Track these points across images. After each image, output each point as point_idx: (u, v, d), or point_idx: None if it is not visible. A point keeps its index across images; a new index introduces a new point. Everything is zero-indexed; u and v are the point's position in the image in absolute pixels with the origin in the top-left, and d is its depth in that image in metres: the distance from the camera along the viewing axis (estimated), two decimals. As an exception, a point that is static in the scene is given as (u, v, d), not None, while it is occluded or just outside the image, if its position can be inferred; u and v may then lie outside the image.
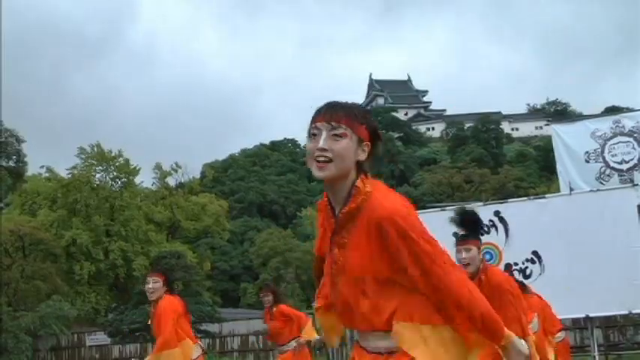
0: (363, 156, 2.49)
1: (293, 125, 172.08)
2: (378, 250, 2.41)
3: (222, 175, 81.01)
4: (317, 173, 2.43)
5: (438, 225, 12.53)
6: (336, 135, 2.41)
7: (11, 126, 41.99)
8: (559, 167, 13.89)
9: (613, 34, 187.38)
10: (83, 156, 39.96)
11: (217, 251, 53.68)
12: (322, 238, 2.66)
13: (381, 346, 2.50)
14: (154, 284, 6.55)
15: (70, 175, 39.38)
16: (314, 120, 2.46)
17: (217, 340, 27.10)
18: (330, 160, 2.40)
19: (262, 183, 78.16)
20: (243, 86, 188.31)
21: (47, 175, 41.51)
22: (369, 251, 2.42)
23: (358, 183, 2.48)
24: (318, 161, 2.41)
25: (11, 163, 38.77)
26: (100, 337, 28.21)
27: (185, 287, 30.05)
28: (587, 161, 13.40)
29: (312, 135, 2.45)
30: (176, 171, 49.11)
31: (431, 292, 2.41)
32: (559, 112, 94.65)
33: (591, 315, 11.39)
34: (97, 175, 40.54)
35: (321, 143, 2.40)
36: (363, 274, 2.45)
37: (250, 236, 62.53)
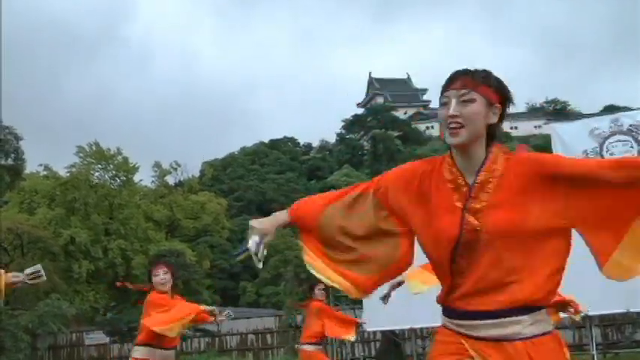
0: (494, 119, 2.51)
1: (292, 123, 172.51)
2: (539, 199, 2.39)
3: (222, 174, 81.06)
4: (450, 139, 2.45)
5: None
6: (465, 101, 2.43)
7: (9, 123, 41.97)
8: (558, 166, 13.91)
9: (611, 33, 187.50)
10: (82, 154, 39.99)
11: (217, 250, 53.66)
12: (428, 210, 2.52)
13: (517, 331, 2.39)
14: (164, 275, 6.68)
15: (68, 174, 39.40)
16: (444, 89, 2.50)
17: (216, 339, 27.08)
18: (462, 126, 2.42)
19: (261, 181, 78.20)
20: (242, 84, 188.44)
21: (45, 173, 41.52)
22: (525, 206, 2.38)
23: (493, 147, 2.52)
24: (451, 128, 2.44)
25: (9, 161, 38.66)
26: (99, 336, 28.18)
27: (185, 286, 30.06)
28: (587, 160, 13.43)
29: (443, 104, 2.48)
30: (175, 169, 49.20)
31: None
32: (558, 111, 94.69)
33: (589, 313, 11.37)
34: (96, 174, 40.57)
35: (452, 110, 2.43)
36: (516, 230, 2.36)
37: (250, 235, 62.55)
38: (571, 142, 13.57)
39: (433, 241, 2.50)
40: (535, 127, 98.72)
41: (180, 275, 27.67)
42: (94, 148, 40.34)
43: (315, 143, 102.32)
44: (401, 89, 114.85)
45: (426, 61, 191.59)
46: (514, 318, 2.38)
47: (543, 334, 2.41)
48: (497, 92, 2.50)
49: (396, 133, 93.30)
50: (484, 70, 2.54)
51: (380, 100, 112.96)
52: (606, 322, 18.59)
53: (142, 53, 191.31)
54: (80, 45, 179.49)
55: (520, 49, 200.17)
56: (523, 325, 2.38)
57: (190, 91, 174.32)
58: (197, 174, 63.37)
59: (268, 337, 25.77)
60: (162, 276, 6.67)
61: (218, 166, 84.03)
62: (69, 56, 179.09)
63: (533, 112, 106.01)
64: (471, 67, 2.53)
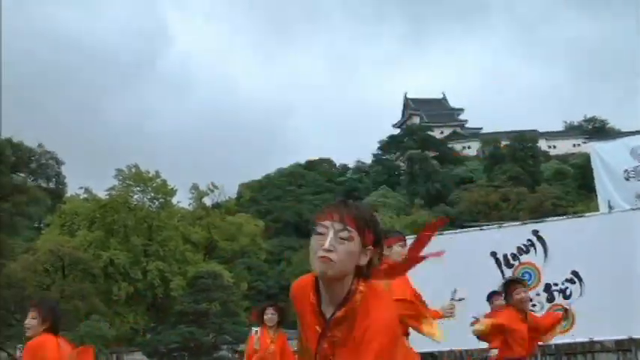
0: (364, 260, 2.44)
1: (329, 144, 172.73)
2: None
3: (259, 195, 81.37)
4: (320, 269, 2.38)
5: (475, 244, 12.40)
6: (342, 238, 2.39)
7: (51, 148, 42.70)
8: (598, 185, 13.68)
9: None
10: (121, 177, 40.46)
11: (254, 271, 53.80)
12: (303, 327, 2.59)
13: None
14: (272, 315, 7.47)
15: (108, 196, 39.85)
16: (322, 216, 2.46)
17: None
18: (333, 261, 2.37)
19: (298, 202, 78.31)
20: (279, 106, 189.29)
21: (85, 196, 42.05)
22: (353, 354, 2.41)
23: (355, 287, 2.44)
24: (321, 258, 2.38)
25: (51, 185, 39.32)
26: (138, 357, 28.36)
27: (222, 307, 30.13)
28: (627, 179, 13.17)
29: (319, 233, 2.43)
30: (212, 191, 49.50)
31: None
32: (597, 130, 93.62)
33: (634, 336, 11.16)
34: (135, 196, 40.99)
35: (327, 244, 2.38)
36: None
37: (287, 256, 62.58)
38: (611, 161, 13.39)
39: (304, 350, 2.58)
40: (574, 145, 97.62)
41: (216, 297, 27.63)
42: (133, 170, 40.81)
43: (352, 164, 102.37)
44: (437, 109, 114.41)
45: (461, 80, 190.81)
46: None
47: None
48: (373, 235, 2.46)
49: (432, 154, 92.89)
50: (367, 210, 2.53)
51: (416, 120, 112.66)
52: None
53: (180, 77, 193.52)
54: (120, 70, 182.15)
55: (556, 67, 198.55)
56: None
57: (227, 114, 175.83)
58: (234, 196, 63.70)
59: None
60: (270, 315, 7.54)
61: (255, 187, 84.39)
62: (109, 81, 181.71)
63: (571, 131, 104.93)
64: (350, 203, 2.51)
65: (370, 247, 2.44)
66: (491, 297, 8.89)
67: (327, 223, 2.42)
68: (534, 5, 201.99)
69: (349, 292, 2.43)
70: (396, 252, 5.50)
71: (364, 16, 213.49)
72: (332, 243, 2.38)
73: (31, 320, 5.57)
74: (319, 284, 2.49)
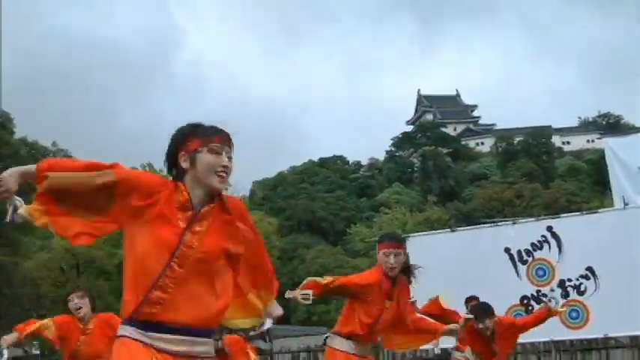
0: None
1: (341, 142, 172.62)
2: (227, 230, 2.84)
3: (272, 193, 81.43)
4: (219, 185, 2.85)
5: (489, 241, 12.38)
6: (230, 156, 2.90)
7: (65, 147, 42.92)
8: (612, 181, 13.62)
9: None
10: (135, 176, 40.61)
11: (267, 268, 53.81)
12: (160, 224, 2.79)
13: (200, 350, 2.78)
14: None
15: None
16: (214, 138, 2.87)
17: (268, 357, 27.10)
18: (227, 174, 2.87)
19: (311, 200, 78.28)
20: (291, 104, 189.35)
21: (100, 194, 42.28)
22: (220, 234, 2.81)
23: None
24: (221, 175, 2.84)
25: (66, 183, 39.49)
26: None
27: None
28: (642, 174, 13.11)
29: (214, 152, 2.85)
30: (226, 189, 49.57)
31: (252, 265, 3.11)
32: (611, 125, 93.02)
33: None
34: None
35: (226, 161, 2.86)
36: (217, 255, 2.77)
37: (300, 253, 62.61)
38: (626, 157, 13.32)
39: (151, 247, 2.74)
40: (588, 141, 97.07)
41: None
42: (147, 168, 40.94)
43: (365, 161, 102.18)
44: (450, 106, 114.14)
45: (475, 77, 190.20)
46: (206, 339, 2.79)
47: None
48: None
49: (445, 150, 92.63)
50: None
51: (429, 117, 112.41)
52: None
53: (192, 77, 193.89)
54: (133, 72, 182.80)
55: (570, 63, 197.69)
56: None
57: (239, 112, 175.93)
58: (247, 193, 63.77)
59: (320, 355, 25.66)
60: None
61: (268, 185, 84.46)
62: (124, 82, 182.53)
63: (586, 127, 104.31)
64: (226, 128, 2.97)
65: None
66: (468, 302, 8.84)
67: (221, 145, 2.87)
68: (547, 2, 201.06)
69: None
70: (381, 259, 5.48)
71: (376, 14, 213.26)
72: (228, 162, 2.87)
73: (82, 300, 6.60)
74: (190, 189, 2.85)
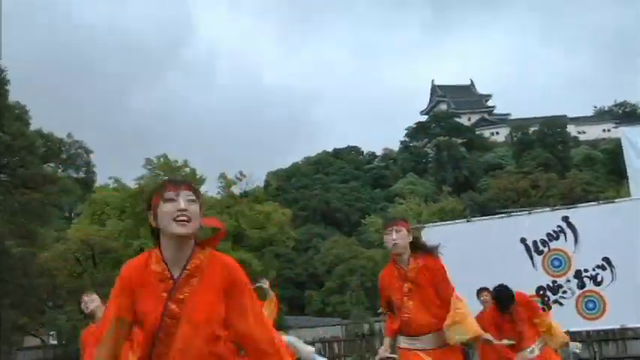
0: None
1: (356, 132, 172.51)
2: (219, 297, 2.82)
3: (286, 184, 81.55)
4: (179, 230, 2.77)
5: (505, 231, 12.29)
6: (190, 200, 2.81)
7: (80, 138, 43.04)
8: (629, 171, 13.48)
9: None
10: (150, 166, 40.68)
11: (282, 259, 54.03)
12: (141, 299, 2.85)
13: None
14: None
15: (137, 186, 40.12)
16: (165, 188, 2.85)
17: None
18: (190, 220, 2.78)
19: (326, 191, 78.35)
20: (306, 95, 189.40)
21: (115, 185, 42.37)
22: (212, 299, 2.81)
23: (197, 247, 2.90)
24: (179, 220, 2.77)
25: (81, 174, 39.68)
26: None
27: (251, 295, 30.35)
28: (659, 164, 12.99)
29: (169, 199, 2.80)
30: (240, 180, 49.54)
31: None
32: (627, 114, 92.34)
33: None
34: (165, 185, 41.12)
35: (182, 204, 2.78)
36: (209, 319, 2.78)
37: (315, 244, 62.71)
38: (642, 146, 13.20)
39: (142, 323, 2.82)
40: (604, 130, 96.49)
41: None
42: (161, 160, 41.03)
43: (379, 152, 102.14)
44: (464, 95, 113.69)
45: (489, 66, 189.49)
46: None
47: None
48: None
49: (460, 140, 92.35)
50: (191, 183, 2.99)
51: (443, 107, 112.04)
52: None
53: (205, 67, 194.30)
54: (147, 60, 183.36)
55: (585, 52, 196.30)
56: None
57: (254, 103, 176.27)
58: (262, 184, 63.83)
59: (335, 345, 25.72)
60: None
61: (282, 176, 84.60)
62: (137, 72, 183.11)
63: (601, 116, 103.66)
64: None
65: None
66: (479, 293, 8.79)
67: (177, 191, 2.82)
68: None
69: (193, 251, 2.86)
70: (386, 242, 5.37)
71: (389, 3, 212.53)
72: (186, 204, 2.78)
73: (90, 297, 6.98)
74: (164, 253, 2.86)
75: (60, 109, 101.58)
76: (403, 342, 5.35)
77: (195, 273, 2.82)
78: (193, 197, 2.82)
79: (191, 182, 2.96)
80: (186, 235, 2.78)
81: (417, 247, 5.37)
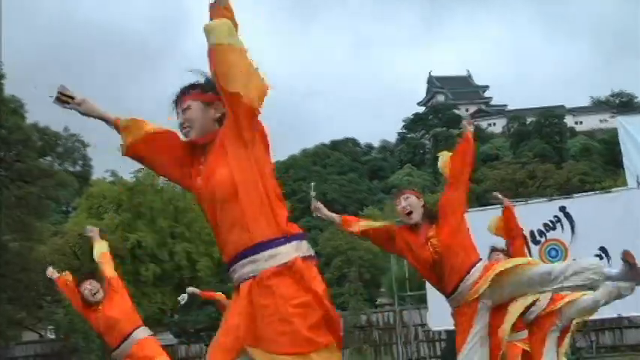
0: (218, 112, 3.10)
1: (353, 124, 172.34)
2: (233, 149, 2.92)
3: (283, 176, 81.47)
4: (184, 137, 3.17)
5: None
6: (185, 110, 3.13)
7: (76, 131, 42.85)
8: (626, 161, 13.49)
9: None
10: (147, 160, 40.59)
11: (280, 251, 54.03)
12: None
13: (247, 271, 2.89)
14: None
15: (134, 179, 40.08)
16: (173, 106, 3.23)
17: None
18: (189, 128, 3.13)
19: (323, 182, 78.29)
20: (302, 86, 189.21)
21: (112, 179, 42.30)
22: (228, 159, 2.91)
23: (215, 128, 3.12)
24: (183, 132, 3.16)
25: (77, 168, 39.48)
26: (167, 337, 28.62)
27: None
28: (655, 154, 12.99)
29: (177, 115, 3.19)
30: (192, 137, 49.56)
31: None
32: (624, 104, 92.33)
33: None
34: (161, 178, 41.12)
35: (179, 120, 3.17)
36: (234, 185, 2.85)
37: (313, 236, 62.69)
38: (639, 136, 13.21)
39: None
40: (600, 120, 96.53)
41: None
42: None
43: (376, 143, 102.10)
44: (461, 86, 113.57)
45: (486, 57, 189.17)
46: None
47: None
48: (213, 93, 3.07)
49: (457, 131, 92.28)
50: (197, 82, 3.21)
51: (440, 98, 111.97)
52: None
53: (202, 59, 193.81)
54: (142, 54, 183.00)
55: (582, 42, 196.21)
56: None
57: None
58: (259, 176, 63.70)
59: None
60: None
61: (279, 168, 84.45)
62: (131, 65, 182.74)
63: (598, 106, 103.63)
64: (186, 85, 3.23)
65: (214, 101, 3.10)
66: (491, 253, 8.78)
67: (177, 109, 3.19)
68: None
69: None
70: (399, 214, 5.60)
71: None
72: (181, 117, 3.16)
73: (90, 285, 7.24)
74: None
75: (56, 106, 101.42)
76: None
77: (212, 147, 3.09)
78: (185, 106, 3.15)
79: (185, 88, 3.22)
80: (193, 140, 3.15)
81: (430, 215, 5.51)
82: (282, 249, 2.81)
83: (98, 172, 43.76)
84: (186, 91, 3.17)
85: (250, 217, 2.82)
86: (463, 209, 5.56)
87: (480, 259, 5.44)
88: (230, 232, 2.89)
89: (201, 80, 3.17)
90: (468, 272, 5.22)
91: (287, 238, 2.85)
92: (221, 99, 2.96)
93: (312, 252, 2.95)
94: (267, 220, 2.83)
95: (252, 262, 2.82)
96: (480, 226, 11.87)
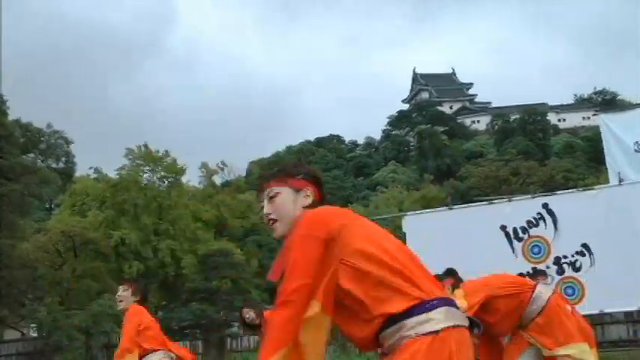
0: (307, 201, 2.70)
1: (338, 121, 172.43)
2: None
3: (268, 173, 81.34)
4: (273, 235, 2.75)
5: (485, 218, 12.37)
6: (271, 197, 2.72)
7: (60, 128, 42.69)
8: (608, 158, 13.59)
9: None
10: (131, 156, 40.43)
11: (265, 248, 53.95)
12: None
13: None
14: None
15: (118, 176, 39.91)
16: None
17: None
18: (275, 221, 2.70)
19: (308, 179, 78.26)
20: (287, 84, 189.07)
21: (96, 176, 42.11)
22: None
23: None
24: (269, 225, 2.74)
25: (61, 165, 39.39)
26: (151, 335, 28.50)
27: (234, 285, 30.29)
28: (637, 151, 13.04)
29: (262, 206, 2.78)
30: (222, 169, 49.50)
31: None
32: (607, 102, 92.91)
33: (644, 307, 11.16)
34: (145, 175, 40.96)
35: (264, 210, 2.74)
36: None
37: (297, 233, 62.55)
38: (621, 133, 13.29)
39: None
40: (583, 118, 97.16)
41: (226, 275, 27.73)
42: (142, 150, 40.79)
43: (361, 140, 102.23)
44: (446, 84, 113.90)
45: (470, 55, 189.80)
46: None
47: None
48: (304, 178, 2.75)
49: (441, 129, 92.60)
50: (287, 164, 2.89)
51: (425, 95, 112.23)
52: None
53: (188, 55, 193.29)
54: (128, 51, 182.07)
55: (566, 39, 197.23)
56: None
57: (235, 92, 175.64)
58: (244, 174, 63.71)
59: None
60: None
61: (265, 165, 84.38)
62: (117, 61, 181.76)
63: (582, 104, 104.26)
64: (273, 170, 2.89)
65: (306, 187, 2.72)
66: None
67: (260, 195, 2.82)
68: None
69: None
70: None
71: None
72: (267, 207, 2.73)
73: (123, 292, 6.79)
74: None
75: (39, 101, 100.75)
76: None
77: None
78: (272, 193, 2.74)
79: (273, 172, 2.86)
80: (280, 237, 2.69)
81: None
82: None
83: (82, 169, 43.62)
84: (271, 175, 2.83)
85: None
86: None
87: None
88: None
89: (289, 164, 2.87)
90: None
91: None
92: (312, 183, 2.75)
93: None
94: None
95: None
96: (465, 222, 11.96)
